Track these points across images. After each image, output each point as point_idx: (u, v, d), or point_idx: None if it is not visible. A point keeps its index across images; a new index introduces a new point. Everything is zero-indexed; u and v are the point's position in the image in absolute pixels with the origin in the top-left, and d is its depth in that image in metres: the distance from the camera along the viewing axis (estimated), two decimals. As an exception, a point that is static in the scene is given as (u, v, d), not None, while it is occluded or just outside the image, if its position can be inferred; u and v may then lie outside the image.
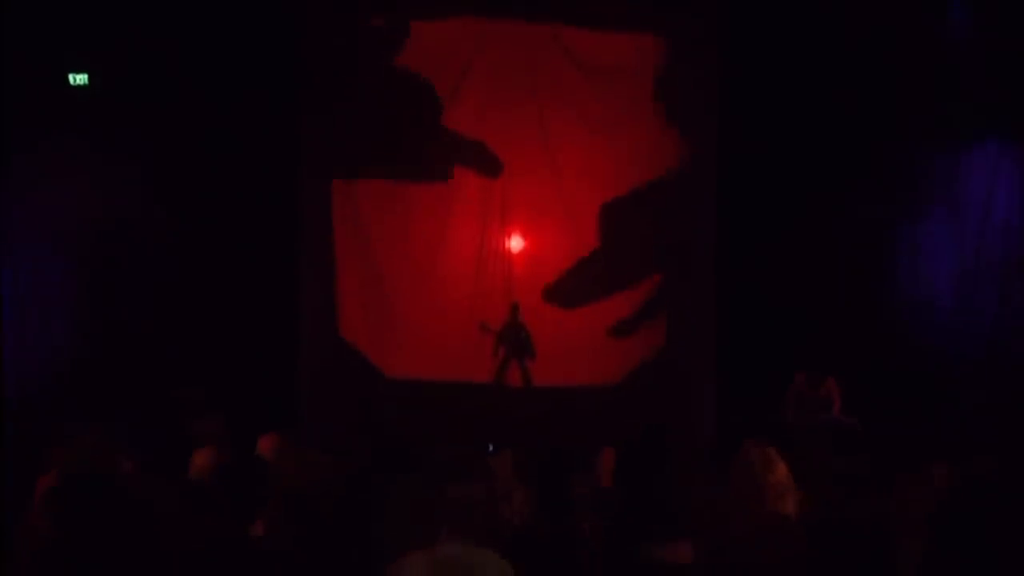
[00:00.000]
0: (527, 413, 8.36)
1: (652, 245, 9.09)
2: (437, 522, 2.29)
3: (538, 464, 3.51)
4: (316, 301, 8.65)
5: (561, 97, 8.90)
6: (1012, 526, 2.15)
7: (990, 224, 7.91)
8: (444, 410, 8.26)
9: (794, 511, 2.83)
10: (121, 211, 7.71)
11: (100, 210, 7.64)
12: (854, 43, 8.01)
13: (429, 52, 8.77)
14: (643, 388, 8.83)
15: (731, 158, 8.66)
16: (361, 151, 8.71)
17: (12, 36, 7.07)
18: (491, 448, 6.34)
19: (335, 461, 4.01)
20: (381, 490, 2.28)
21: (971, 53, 7.68)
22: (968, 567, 2.14)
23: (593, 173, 9.04)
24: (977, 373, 7.76)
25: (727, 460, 3.04)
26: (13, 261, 7.33)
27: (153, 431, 4.43)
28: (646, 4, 9.02)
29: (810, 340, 7.67)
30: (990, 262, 7.91)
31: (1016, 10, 7.46)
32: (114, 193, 7.66)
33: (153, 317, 7.79)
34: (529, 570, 2.83)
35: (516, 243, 9.14)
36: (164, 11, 7.62)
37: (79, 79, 7.42)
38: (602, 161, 9.04)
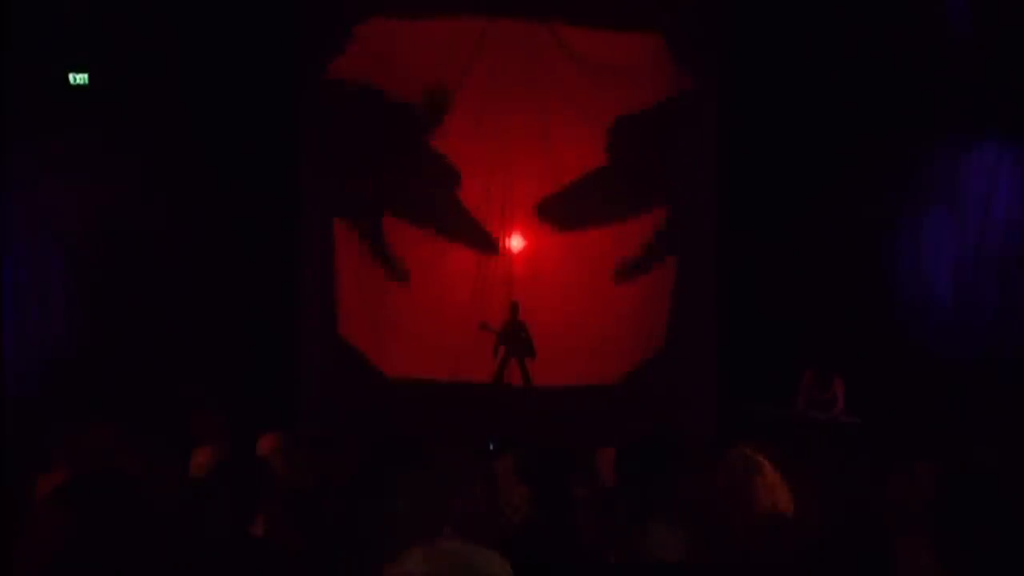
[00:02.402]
0: (527, 413, 8.36)
1: (654, 241, 9.11)
2: (438, 522, 2.28)
3: (538, 464, 3.50)
4: (316, 300, 8.65)
5: (561, 96, 8.91)
6: (1004, 524, 2.15)
7: (990, 223, 7.92)
8: (444, 410, 8.26)
9: (789, 509, 2.83)
10: (121, 210, 7.72)
11: (100, 209, 7.65)
12: (854, 42, 8.01)
13: (429, 52, 8.78)
14: (643, 388, 8.84)
15: (732, 158, 8.67)
16: (361, 153, 8.73)
17: (12, 36, 7.07)
18: (491, 447, 6.35)
19: (335, 460, 4.01)
20: (381, 490, 2.28)
21: (971, 53, 7.68)
22: (962, 564, 2.14)
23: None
24: (977, 371, 7.76)
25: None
26: (13, 258, 7.33)
27: (152, 429, 4.42)
28: (646, 3, 9.03)
29: (810, 339, 7.67)
30: (990, 260, 7.91)
31: (1016, 10, 7.45)
32: (114, 192, 7.67)
33: (152, 316, 7.79)
34: (528, 569, 2.83)
35: (516, 243, 9.14)
36: (164, 10, 7.63)
37: (79, 79, 7.42)
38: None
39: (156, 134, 7.73)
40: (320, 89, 8.57)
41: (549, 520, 3.01)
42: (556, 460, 3.36)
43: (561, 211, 9.05)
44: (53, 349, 7.41)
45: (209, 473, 3.46)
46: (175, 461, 4.18)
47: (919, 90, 7.91)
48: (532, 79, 8.84)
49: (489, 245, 9.04)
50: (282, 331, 8.32)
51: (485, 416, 8.18)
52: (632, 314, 9.06)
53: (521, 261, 9.14)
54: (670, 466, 3.03)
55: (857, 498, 3.37)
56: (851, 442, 6.64)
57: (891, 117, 8.00)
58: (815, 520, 2.79)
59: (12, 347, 7.17)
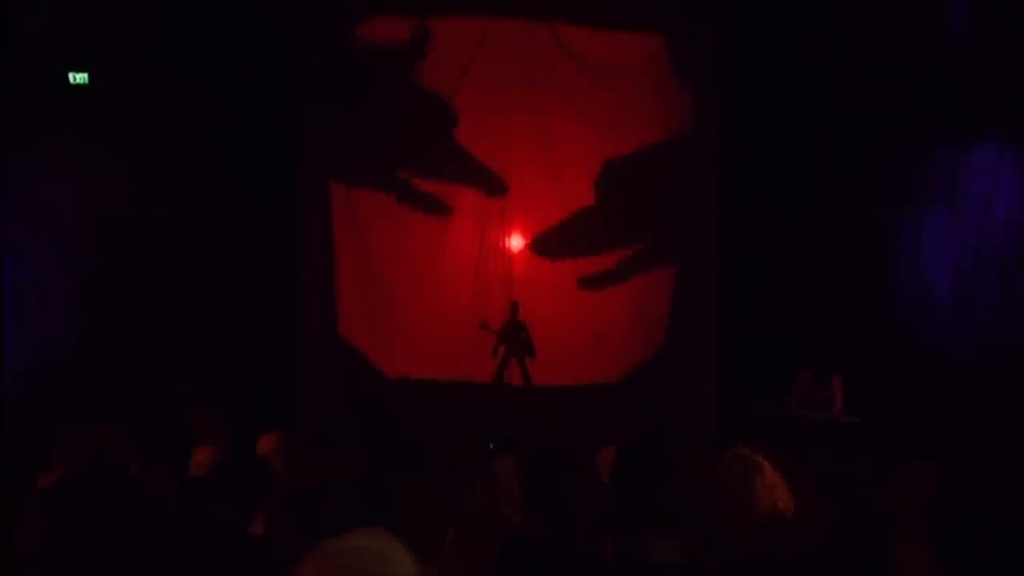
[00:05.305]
0: (527, 413, 8.36)
1: (652, 243, 9.12)
2: (439, 522, 2.29)
3: (536, 463, 3.51)
4: (315, 299, 8.65)
5: (561, 96, 8.91)
6: (1002, 524, 2.16)
7: (990, 223, 7.92)
8: (444, 409, 8.26)
9: (789, 509, 2.83)
10: (121, 210, 7.73)
11: (100, 209, 7.66)
12: (854, 43, 8.01)
13: (429, 52, 8.78)
14: (643, 388, 8.84)
15: (732, 158, 8.68)
16: (360, 152, 8.73)
17: (12, 36, 7.08)
18: (491, 447, 6.34)
19: (335, 460, 4.02)
20: (381, 490, 2.28)
21: (971, 53, 7.68)
22: (961, 563, 2.14)
23: (593, 172, 9.04)
24: (977, 371, 7.77)
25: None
26: (13, 258, 7.33)
27: (152, 429, 4.42)
28: (646, 3, 9.03)
29: (810, 339, 7.68)
30: (990, 260, 7.92)
31: (1016, 10, 7.45)
32: (114, 192, 7.68)
33: (153, 315, 7.80)
34: (526, 569, 2.83)
35: (516, 242, 9.14)
36: (164, 9, 7.63)
37: (79, 79, 7.43)
38: (602, 160, 9.04)
39: (156, 134, 7.73)
40: (322, 84, 8.58)
41: (547, 520, 3.01)
42: (553, 460, 3.36)
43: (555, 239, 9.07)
44: (53, 349, 7.41)
45: (209, 473, 3.46)
46: (175, 461, 4.19)
47: (919, 90, 7.91)
48: (532, 79, 8.83)
49: (499, 186, 8.97)
50: (282, 331, 8.32)
51: (485, 416, 8.18)
52: (632, 314, 9.06)
53: (521, 261, 9.14)
54: (670, 466, 3.03)
55: (857, 498, 3.36)
56: (851, 442, 6.64)
57: (891, 117, 8.01)
58: (815, 520, 2.79)
59: (12, 347, 7.17)
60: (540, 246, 9.09)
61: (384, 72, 8.69)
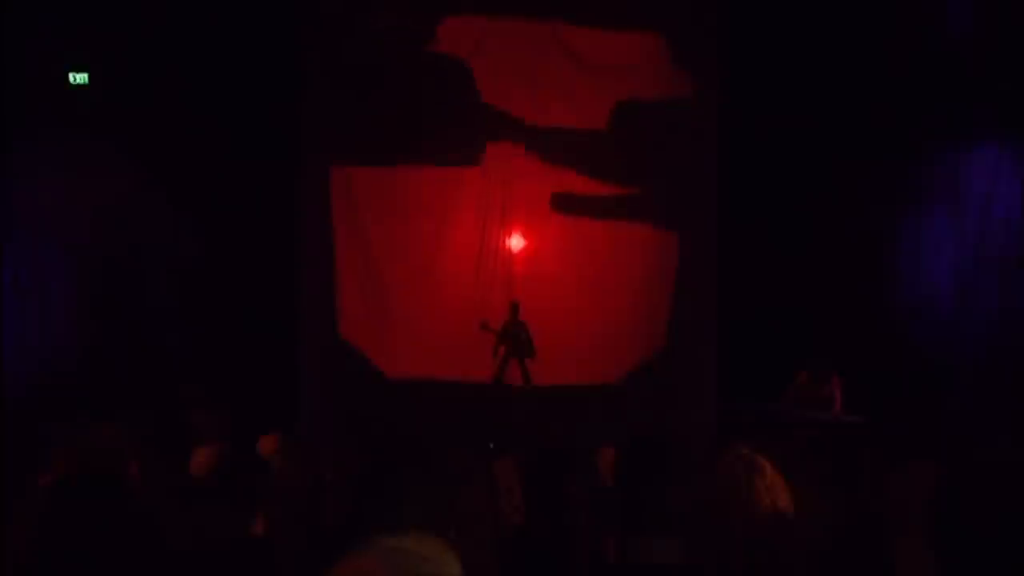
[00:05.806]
0: (527, 413, 8.36)
1: (652, 241, 9.13)
2: (439, 523, 2.28)
3: (536, 464, 3.51)
4: (316, 300, 8.67)
5: (561, 96, 8.91)
6: (1003, 524, 2.15)
7: (990, 223, 7.92)
8: (444, 409, 8.27)
9: (789, 509, 2.83)
10: (121, 209, 7.73)
11: (100, 209, 7.66)
12: (854, 43, 8.01)
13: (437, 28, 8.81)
14: (643, 388, 8.85)
15: (732, 157, 8.68)
16: (361, 143, 8.74)
17: (12, 35, 7.08)
18: (491, 447, 6.35)
19: (335, 461, 4.01)
20: (380, 490, 2.27)
21: (971, 53, 7.68)
22: (961, 564, 2.14)
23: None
24: (977, 371, 7.77)
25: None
26: (13, 259, 7.34)
27: (152, 428, 4.43)
28: (646, 3, 9.04)
29: (810, 339, 7.68)
30: (990, 260, 7.92)
31: (1016, 10, 7.46)
32: (114, 192, 7.68)
33: (153, 316, 7.80)
34: (527, 569, 2.84)
35: (516, 242, 9.14)
36: (163, 9, 7.64)
37: (79, 79, 7.43)
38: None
39: (156, 134, 7.73)
40: (323, 85, 8.58)
41: (548, 520, 3.01)
42: (552, 460, 3.36)
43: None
44: (53, 349, 7.42)
45: (209, 473, 3.46)
46: (175, 461, 4.18)
47: (920, 90, 7.91)
48: (532, 78, 8.84)
49: (522, 129, 8.94)
50: (283, 332, 8.32)
51: (485, 416, 8.18)
52: (632, 314, 9.07)
53: (521, 261, 9.14)
54: (669, 466, 3.03)
55: (857, 498, 3.36)
56: (851, 442, 6.64)
57: (892, 117, 8.01)
58: (815, 520, 2.79)
59: (12, 347, 7.17)
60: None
61: (389, 54, 8.68)
